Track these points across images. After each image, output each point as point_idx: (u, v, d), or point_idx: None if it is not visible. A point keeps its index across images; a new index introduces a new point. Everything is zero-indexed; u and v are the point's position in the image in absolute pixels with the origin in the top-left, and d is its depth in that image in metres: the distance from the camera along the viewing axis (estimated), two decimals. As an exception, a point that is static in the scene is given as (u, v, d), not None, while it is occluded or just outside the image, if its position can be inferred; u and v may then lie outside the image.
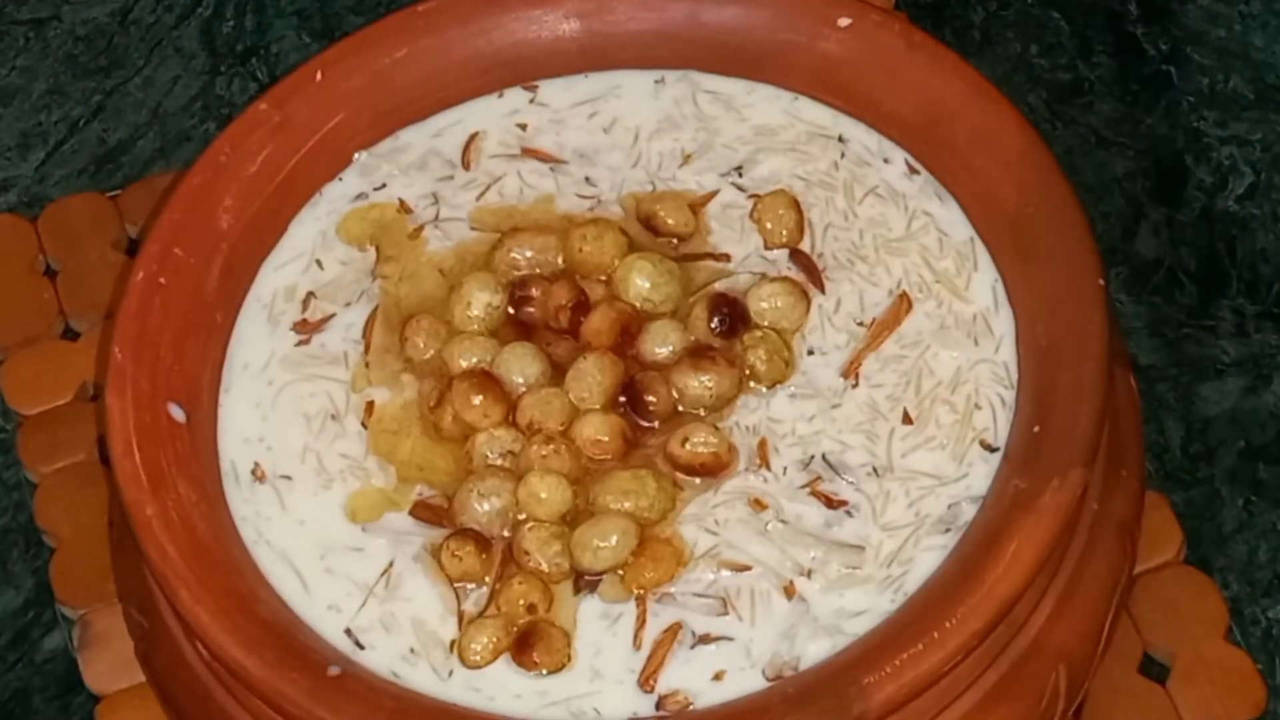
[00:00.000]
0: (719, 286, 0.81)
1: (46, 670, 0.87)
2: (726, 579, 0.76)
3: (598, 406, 0.79)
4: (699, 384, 0.78)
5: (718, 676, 0.74)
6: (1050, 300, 0.78)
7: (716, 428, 0.78)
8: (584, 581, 0.76)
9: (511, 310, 0.81)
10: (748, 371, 0.79)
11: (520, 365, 0.80)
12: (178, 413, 0.78)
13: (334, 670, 0.73)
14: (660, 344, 0.80)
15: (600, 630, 0.75)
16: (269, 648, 0.73)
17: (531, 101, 0.87)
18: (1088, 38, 1.01)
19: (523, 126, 0.86)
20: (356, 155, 0.85)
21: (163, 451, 0.77)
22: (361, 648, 0.75)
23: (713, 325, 0.80)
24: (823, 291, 0.81)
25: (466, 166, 0.85)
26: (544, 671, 0.74)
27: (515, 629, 0.75)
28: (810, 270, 0.82)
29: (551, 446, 0.78)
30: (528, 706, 0.73)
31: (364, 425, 0.80)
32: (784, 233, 0.82)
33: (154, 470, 0.76)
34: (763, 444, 0.78)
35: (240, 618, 0.73)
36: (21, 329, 0.94)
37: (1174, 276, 0.93)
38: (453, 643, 0.75)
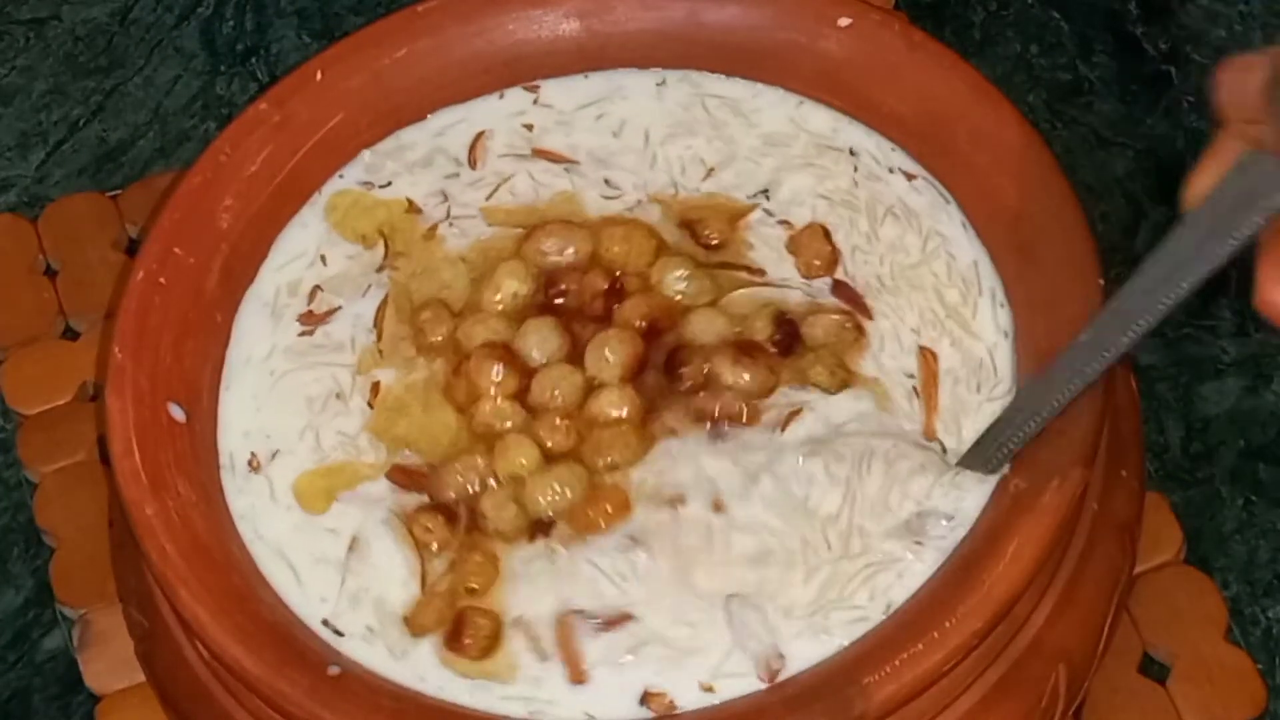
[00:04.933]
0: (767, 298, 0.81)
1: (46, 670, 0.87)
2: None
3: (614, 380, 0.78)
4: (733, 375, 0.78)
5: (713, 678, 0.73)
6: (1050, 300, 0.78)
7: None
8: (538, 529, 0.76)
9: (544, 298, 0.81)
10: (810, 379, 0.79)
11: (538, 339, 0.79)
12: (177, 412, 0.78)
13: (334, 670, 0.73)
14: (704, 330, 0.79)
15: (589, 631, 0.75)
16: (269, 647, 0.73)
17: (535, 103, 0.86)
18: (1088, 38, 1.01)
19: (529, 127, 0.86)
20: (362, 154, 0.85)
21: (162, 451, 0.77)
22: (341, 635, 0.75)
23: (774, 338, 0.79)
24: (870, 318, 0.81)
25: (473, 165, 0.85)
26: (472, 656, 0.74)
27: (451, 615, 0.75)
28: (854, 300, 0.81)
29: (566, 423, 0.78)
30: (528, 707, 0.73)
31: (370, 405, 0.79)
32: (819, 263, 0.82)
33: (154, 470, 0.76)
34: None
35: (240, 617, 0.73)
36: (21, 329, 0.94)
37: (1174, 276, 0.93)
38: (407, 618, 0.75)
